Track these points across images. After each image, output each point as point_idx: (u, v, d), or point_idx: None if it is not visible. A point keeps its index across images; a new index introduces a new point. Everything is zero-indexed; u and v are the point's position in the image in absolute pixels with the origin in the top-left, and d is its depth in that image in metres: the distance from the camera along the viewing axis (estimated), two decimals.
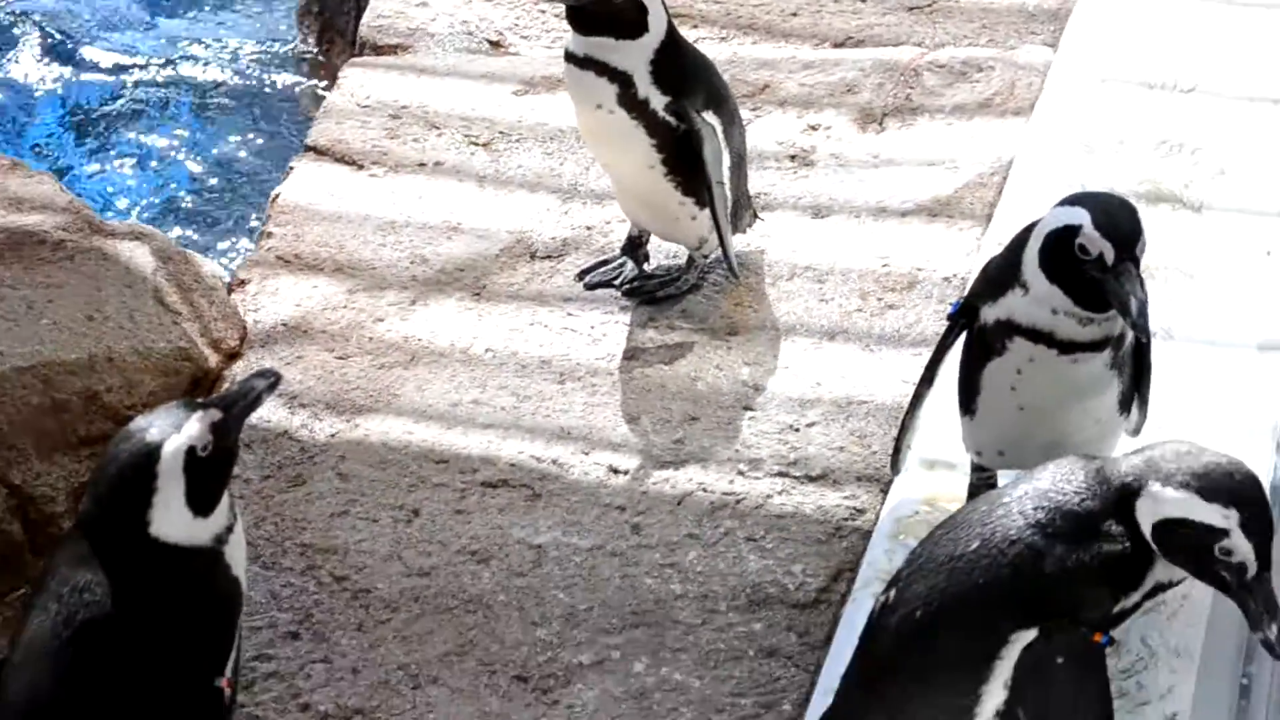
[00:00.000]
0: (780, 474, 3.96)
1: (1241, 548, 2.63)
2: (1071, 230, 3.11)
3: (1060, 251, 3.14)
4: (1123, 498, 2.75)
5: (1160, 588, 2.83)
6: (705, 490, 3.93)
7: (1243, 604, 2.68)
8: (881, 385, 4.13)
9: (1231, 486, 2.68)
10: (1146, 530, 2.71)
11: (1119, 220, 3.12)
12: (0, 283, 4.22)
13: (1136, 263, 3.09)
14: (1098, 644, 2.77)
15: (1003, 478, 3.32)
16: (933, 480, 3.68)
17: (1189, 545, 2.69)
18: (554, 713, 3.47)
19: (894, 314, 4.35)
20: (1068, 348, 3.23)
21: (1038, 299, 3.21)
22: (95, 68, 6.62)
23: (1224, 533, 2.63)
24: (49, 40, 6.78)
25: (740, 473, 3.97)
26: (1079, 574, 2.77)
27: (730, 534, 3.83)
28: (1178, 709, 3.18)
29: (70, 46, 6.78)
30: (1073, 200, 3.22)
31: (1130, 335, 3.26)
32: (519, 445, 4.08)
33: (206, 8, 6.90)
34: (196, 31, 6.77)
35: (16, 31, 6.86)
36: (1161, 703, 3.19)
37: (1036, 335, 3.24)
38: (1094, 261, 3.09)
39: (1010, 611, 2.77)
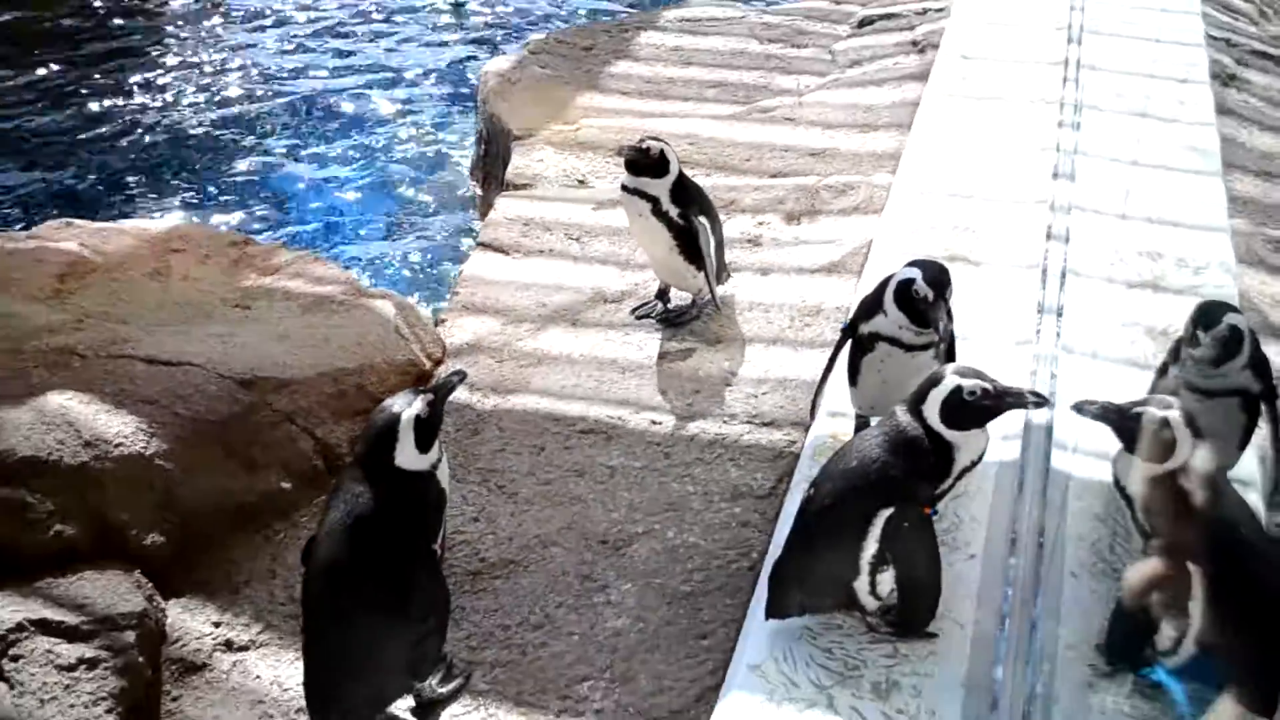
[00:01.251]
0: (748, 422, 3.93)
1: (971, 384, 2.77)
2: (911, 281, 3.20)
3: (904, 293, 3.21)
4: (924, 422, 2.80)
5: (966, 470, 2.85)
6: (705, 432, 3.91)
7: (1012, 406, 2.83)
8: (804, 369, 4.08)
9: (954, 371, 2.83)
10: (942, 429, 2.79)
11: (937, 277, 3.20)
12: (311, 325, 4.22)
13: (947, 301, 3.18)
14: (928, 514, 2.81)
15: (873, 422, 3.29)
16: (834, 424, 3.64)
17: (959, 409, 2.79)
18: (622, 561, 3.47)
19: (809, 329, 4.31)
20: (909, 348, 3.28)
21: (892, 320, 3.26)
22: (354, 196, 6.66)
23: (959, 387, 2.77)
24: (319, 173, 6.83)
25: (724, 422, 3.94)
26: (912, 473, 2.81)
27: (720, 457, 3.80)
28: (975, 551, 3.17)
29: (329, 182, 6.82)
30: (914, 264, 3.27)
31: (946, 340, 3.28)
32: (600, 409, 4.05)
33: (421, 168, 6.92)
34: (414, 180, 6.81)
35: (289, 154, 6.90)
36: (967, 548, 3.18)
37: (892, 341, 3.29)
38: (922, 300, 3.17)
39: (875, 498, 2.80)
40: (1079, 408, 2.88)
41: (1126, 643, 2.81)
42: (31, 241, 4.61)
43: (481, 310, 4.64)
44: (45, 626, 3.05)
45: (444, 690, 3.11)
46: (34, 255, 4.45)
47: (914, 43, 6.51)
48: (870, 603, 2.90)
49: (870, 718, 2.76)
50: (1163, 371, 3.28)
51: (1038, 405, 2.88)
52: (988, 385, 2.78)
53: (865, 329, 3.36)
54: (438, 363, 4.32)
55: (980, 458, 2.87)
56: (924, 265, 3.26)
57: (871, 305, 3.35)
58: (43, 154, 7.07)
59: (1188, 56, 5.76)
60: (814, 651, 2.93)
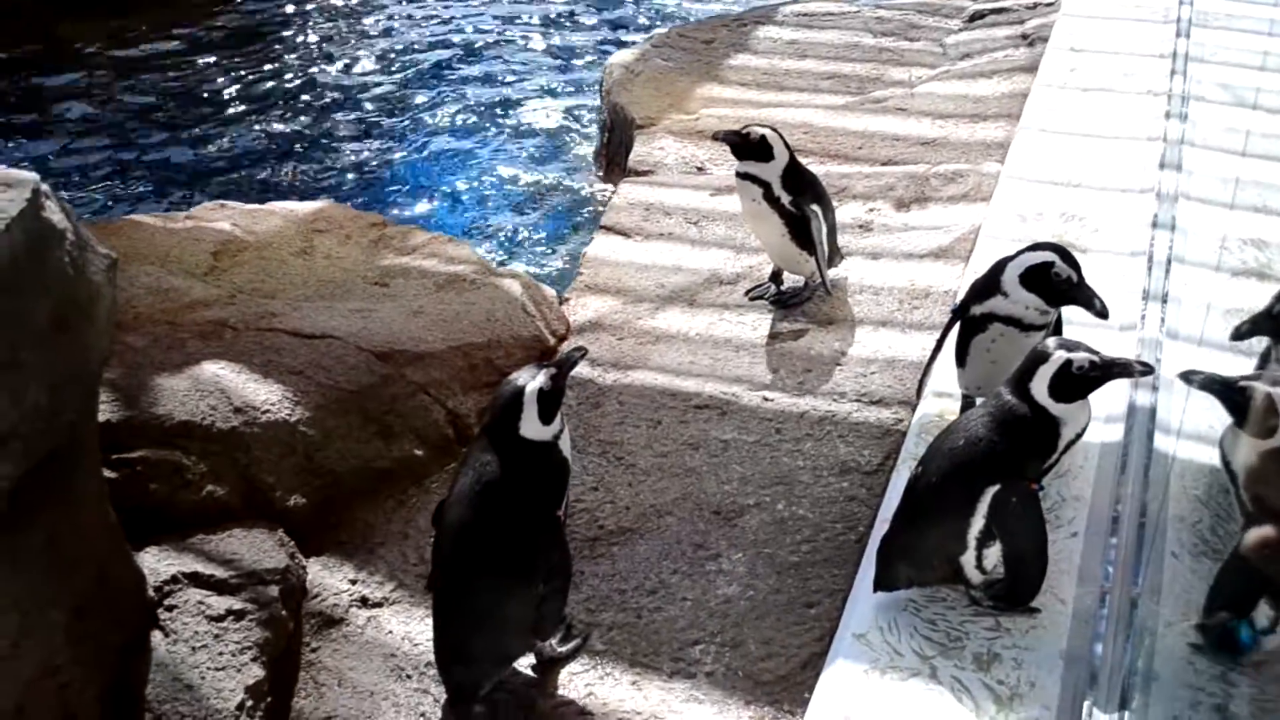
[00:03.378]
0: (857, 400, 3.87)
1: (1079, 357, 2.71)
2: (1049, 264, 3.11)
3: (1039, 275, 3.12)
4: (1030, 399, 2.73)
5: (1071, 443, 2.79)
6: (815, 410, 3.86)
7: (1119, 375, 2.75)
8: (912, 350, 4.03)
9: (1058, 346, 2.75)
10: (1049, 404, 2.73)
11: (1072, 259, 3.12)
12: (443, 302, 4.25)
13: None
14: (1034, 489, 2.74)
15: (978, 401, 3.22)
16: (940, 404, 3.57)
17: (1069, 382, 2.72)
18: (734, 532, 3.44)
19: (918, 312, 4.24)
20: (1026, 328, 3.19)
21: (1014, 301, 3.18)
22: (485, 182, 6.67)
23: (1069, 360, 2.71)
24: (456, 163, 6.86)
25: (834, 400, 3.89)
26: (1018, 450, 2.75)
27: (829, 433, 3.75)
28: (1077, 530, 3.10)
29: (462, 168, 6.84)
30: (1038, 247, 3.20)
31: (1055, 321, 3.25)
32: (715, 385, 4.02)
33: (548, 155, 6.92)
34: (541, 167, 6.80)
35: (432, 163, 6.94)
36: (1069, 525, 3.11)
37: (1009, 320, 3.20)
38: (1064, 280, 3.10)
39: (982, 475, 2.73)
40: (1186, 377, 2.81)
41: (1232, 595, 2.73)
42: (189, 222, 4.70)
43: (603, 290, 4.63)
44: (197, 579, 3.12)
45: (564, 649, 3.11)
46: (191, 234, 4.55)
47: (1023, 36, 6.38)
48: (976, 576, 2.84)
49: (972, 687, 2.71)
50: (1265, 357, 3.18)
51: (1144, 373, 2.78)
52: (1094, 357, 2.72)
53: (978, 310, 3.27)
54: (561, 339, 4.32)
55: (1084, 430, 2.81)
56: (1054, 248, 3.16)
57: (985, 288, 3.26)
58: (199, 142, 7.21)
59: None
60: (918, 622, 2.88)
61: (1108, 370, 2.72)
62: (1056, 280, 3.11)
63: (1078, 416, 2.77)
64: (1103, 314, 3.08)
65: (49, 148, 7.09)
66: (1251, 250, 4.15)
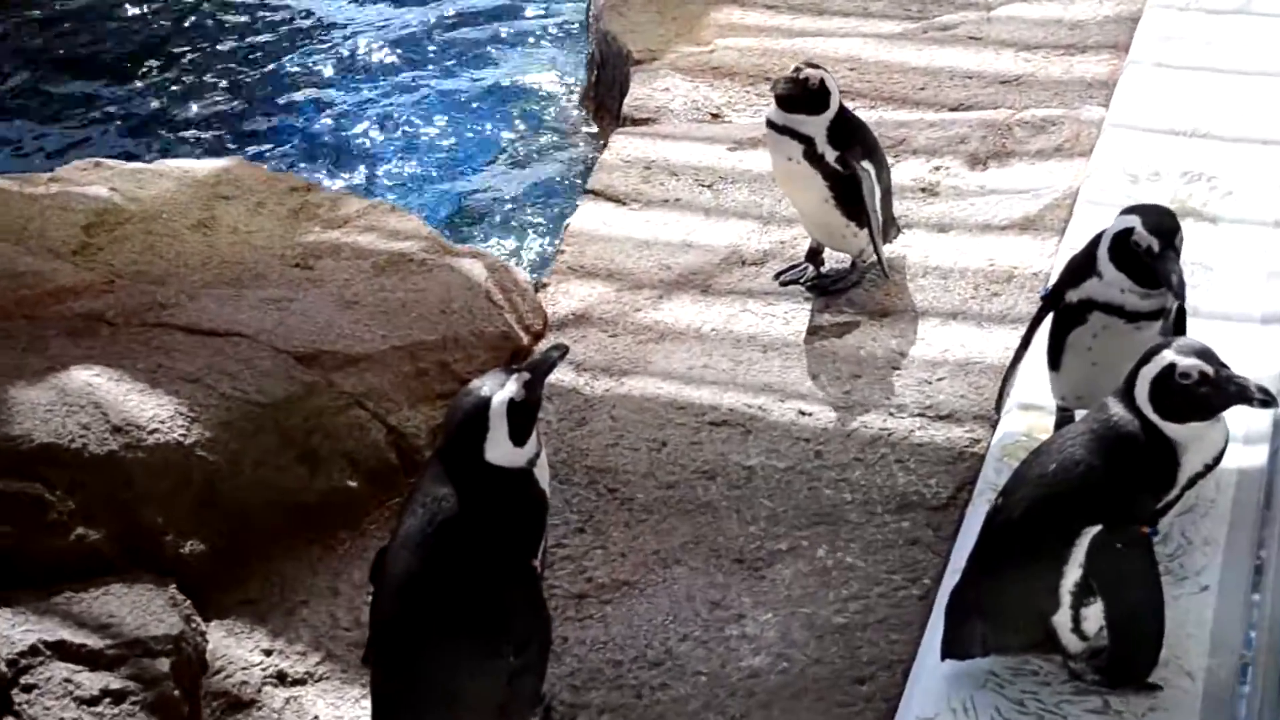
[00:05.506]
0: (919, 414, 3.87)
1: (1189, 364, 2.66)
2: (1129, 230, 3.12)
3: (1122, 245, 3.14)
4: (1140, 416, 2.71)
5: (1195, 479, 2.76)
6: (866, 426, 3.85)
7: (1234, 400, 2.68)
8: (990, 350, 4.02)
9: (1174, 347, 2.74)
10: (1158, 421, 2.71)
11: (1161, 221, 3.13)
12: (384, 289, 4.24)
13: (1177, 252, 3.11)
14: (1146, 534, 2.71)
15: (1079, 416, 3.19)
16: (1027, 418, 3.55)
17: (1171, 395, 2.69)
18: (761, 585, 3.42)
19: (998, 300, 4.23)
20: (1133, 317, 3.19)
21: (1109, 282, 3.18)
22: (435, 132, 6.65)
23: (1172, 365, 2.68)
24: (406, 119, 6.81)
25: (891, 414, 3.88)
26: (1126, 481, 2.72)
27: (884, 457, 3.74)
28: (1208, 582, 3.05)
29: (408, 117, 6.80)
30: (1129, 210, 3.21)
31: (1174, 311, 3.23)
32: (735, 396, 4.01)
33: (516, 97, 6.89)
34: (508, 112, 6.77)
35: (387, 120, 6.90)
36: (1197, 578, 3.06)
37: (1109, 308, 3.21)
38: (1144, 251, 3.09)
39: (1079, 513, 2.71)
40: None
41: None
42: (54, 185, 4.67)
43: (591, 273, 4.62)
44: (64, 650, 3.08)
45: None
46: (57, 202, 4.52)
47: None
48: (1073, 643, 2.81)
49: None
50: None
51: (1263, 405, 2.73)
52: (1209, 369, 2.67)
53: (1074, 296, 3.27)
54: (537, 336, 4.31)
55: (1217, 460, 2.77)
56: (1144, 210, 3.19)
57: (1082, 267, 3.26)
58: (79, 90, 7.17)
59: None
60: (1001, 702, 2.85)
61: (1219, 389, 2.68)
62: (1135, 250, 3.12)
63: (1206, 441, 2.73)
64: (1179, 294, 3.11)
65: None
66: None
